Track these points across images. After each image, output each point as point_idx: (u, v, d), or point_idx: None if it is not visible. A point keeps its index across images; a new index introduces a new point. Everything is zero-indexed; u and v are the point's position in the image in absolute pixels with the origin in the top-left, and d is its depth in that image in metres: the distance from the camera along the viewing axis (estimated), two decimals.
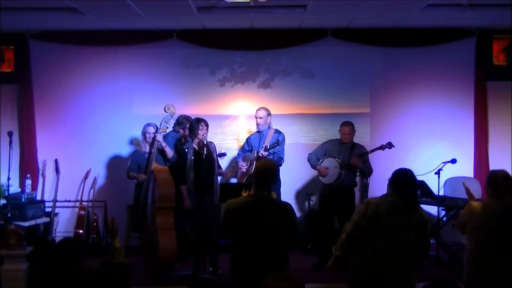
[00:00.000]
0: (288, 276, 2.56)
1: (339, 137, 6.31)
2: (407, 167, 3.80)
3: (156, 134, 6.09)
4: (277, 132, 6.45)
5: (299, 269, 5.56)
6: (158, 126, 6.18)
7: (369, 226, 3.58)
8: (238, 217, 3.64)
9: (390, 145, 6.28)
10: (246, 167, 6.47)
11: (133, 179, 6.44)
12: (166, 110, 6.11)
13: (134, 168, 6.40)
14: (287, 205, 3.82)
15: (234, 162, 7.06)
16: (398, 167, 3.82)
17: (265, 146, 6.23)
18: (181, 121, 6.38)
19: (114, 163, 7.38)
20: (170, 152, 6.16)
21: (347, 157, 6.14)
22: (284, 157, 6.41)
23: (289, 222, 3.70)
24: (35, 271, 5.51)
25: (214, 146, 6.04)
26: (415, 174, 3.74)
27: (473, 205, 3.90)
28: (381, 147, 6.27)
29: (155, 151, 6.06)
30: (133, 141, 7.33)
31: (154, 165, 5.96)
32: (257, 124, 6.50)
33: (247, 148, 6.63)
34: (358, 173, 6.36)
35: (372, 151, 6.29)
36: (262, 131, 6.48)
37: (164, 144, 6.09)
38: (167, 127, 6.25)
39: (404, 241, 3.56)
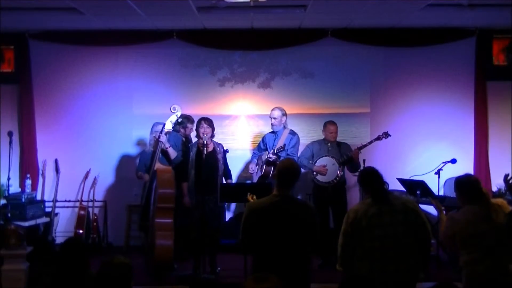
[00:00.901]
0: (267, 278, 2.55)
1: (323, 138, 6.37)
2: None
3: (160, 134, 6.04)
4: (292, 133, 6.38)
5: None
6: (162, 126, 6.08)
7: (355, 232, 3.63)
8: (263, 218, 3.57)
9: (386, 135, 6.34)
10: (255, 171, 6.46)
11: (141, 179, 6.45)
12: (172, 110, 6.03)
13: (142, 168, 6.36)
14: (310, 205, 3.79)
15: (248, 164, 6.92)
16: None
17: (273, 149, 6.21)
18: (181, 120, 6.37)
19: (114, 163, 7.39)
20: (173, 153, 6.08)
21: (338, 155, 6.19)
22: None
23: (312, 222, 3.64)
24: (35, 271, 5.52)
25: (222, 148, 6.00)
26: (376, 170, 3.80)
27: (454, 216, 3.92)
28: (378, 138, 6.33)
29: (159, 151, 6.02)
30: (139, 142, 7.33)
31: (157, 165, 5.93)
32: (272, 125, 6.43)
33: (262, 147, 6.58)
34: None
35: (370, 142, 6.33)
36: (277, 131, 6.42)
37: (167, 145, 6.02)
38: (173, 128, 6.16)
39: (394, 237, 3.58)
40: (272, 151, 6.22)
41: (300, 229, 3.58)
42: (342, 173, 6.16)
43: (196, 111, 7.05)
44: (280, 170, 3.70)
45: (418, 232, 3.65)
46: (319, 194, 6.26)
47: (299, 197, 7.21)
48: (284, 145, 6.18)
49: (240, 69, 7.47)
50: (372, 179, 3.75)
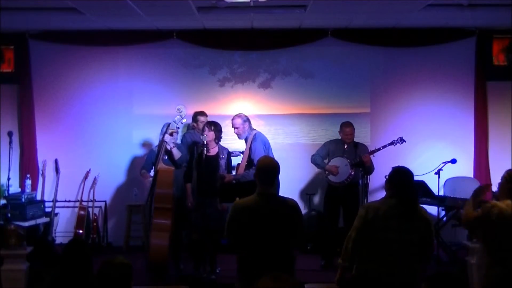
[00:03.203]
0: (285, 277, 2.54)
1: (340, 138, 6.32)
2: (407, 167, 3.78)
3: (165, 134, 6.01)
4: (253, 139, 5.99)
5: (299, 269, 5.53)
6: (167, 127, 6.00)
7: (370, 230, 3.58)
8: (247, 216, 3.59)
9: (401, 140, 6.33)
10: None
11: (143, 177, 6.42)
12: (177, 111, 6.02)
13: (147, 167, 6.32)
14: (294, 202, 3.79)
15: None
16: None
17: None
18: (193, 115, 6.40)
19: (114, 163, 7.38)
20: (177, 153, 6.01)
21: (354, 155, 6.15)
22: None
23: (297, 219, 3.66)
24: (35, 271, 5.52)
25: (228, 152, 5.87)
26: (412, 173, 3.69)
27: (502, 208, 3.58)
28: (392, 143, 6.31)
29: (162, 151, 5.99)
30: (144, 143, 7.32)
31: (160, 166, 5.91)
32: (236, 134, 6.09)
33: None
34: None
35: (384, 146, 6.29)
36: (245, 139, 6.11)
37: (172, 145, 5.95)
38: (178, 128, 6.10)
39: (407, 243, 3.55)
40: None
41: (285, 226, 3.59)
42: (353, 173, 6.12)
43: (196, 111, 7.04)
44: (259, 168, 3.71)
45: (425, 243, 3.60)
46: (331, 194, 6.27)
47: (313, 198, 7.23)
48: (224, 176, 5.76)
49: (240, 69, 7.47)
50: (406, 182, 3.63)
